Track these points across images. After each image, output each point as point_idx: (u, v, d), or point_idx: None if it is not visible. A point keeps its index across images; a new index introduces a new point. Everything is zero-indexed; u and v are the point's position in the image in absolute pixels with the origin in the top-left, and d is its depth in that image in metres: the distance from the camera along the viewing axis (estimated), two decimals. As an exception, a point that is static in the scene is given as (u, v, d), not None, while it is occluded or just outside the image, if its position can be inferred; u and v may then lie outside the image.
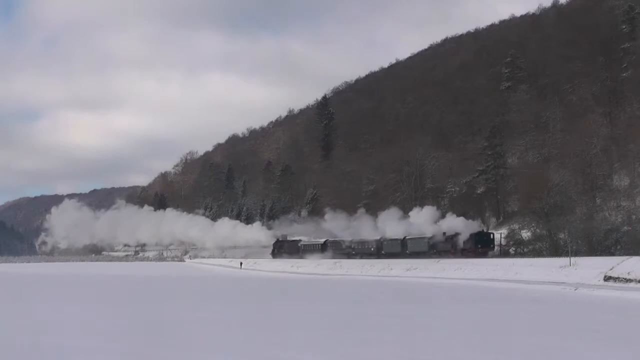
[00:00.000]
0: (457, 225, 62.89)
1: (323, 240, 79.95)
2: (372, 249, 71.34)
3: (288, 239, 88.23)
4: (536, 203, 60.27)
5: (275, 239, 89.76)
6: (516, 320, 22.68)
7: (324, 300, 32.19)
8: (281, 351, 15.11)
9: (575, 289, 35.73)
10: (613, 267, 38.38)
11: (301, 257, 78.88)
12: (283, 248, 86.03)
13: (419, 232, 65.93)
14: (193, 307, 28.05)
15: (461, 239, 61.34)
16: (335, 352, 15.12)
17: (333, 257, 74.77)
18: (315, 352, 15.06)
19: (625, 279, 36.38)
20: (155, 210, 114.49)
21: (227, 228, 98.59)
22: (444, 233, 63.22)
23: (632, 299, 30.09)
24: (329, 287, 45.03)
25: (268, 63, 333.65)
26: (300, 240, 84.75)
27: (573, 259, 43.57)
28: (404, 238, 67.40)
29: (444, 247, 62.59)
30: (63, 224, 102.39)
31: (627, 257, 40.73)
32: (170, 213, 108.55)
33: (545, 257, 51.92)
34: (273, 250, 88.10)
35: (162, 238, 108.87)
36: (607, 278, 37.48)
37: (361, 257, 70.95)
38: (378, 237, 70.58)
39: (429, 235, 64.58)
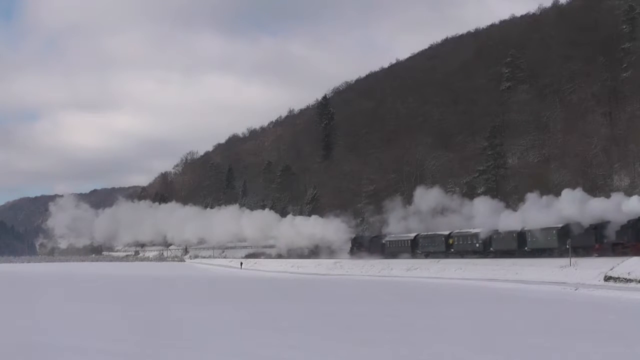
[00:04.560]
0: (606, 207, 46.85)
1: (413, 235, 66.29)
2: (477, 245, 58.04)
3: (370, 234, 75.23)
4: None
5: (354, 235, 77.34)
6: (516, 320, 22.65)
7: (324, 300, 32.17)
8: (281, 351, 15.11)
9: (576, 289, 35.71)
10: (613, 267, 38.39)
11: (386, 257, 66.72)
12: (364, 246, 72.88)
13: (541, 221, 51.07)
14: (193, 307, 28.03)
15: (612, 229, 46.13)
16: (335, 352, 15.11)
17: (426, 257, 62.52)
18: (316, 352, 15.05)
19: (625, 279, 36.38)
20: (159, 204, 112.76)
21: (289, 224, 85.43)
22: (591, 225, 47.36)
23: (632, 299, 30.06)
24: (329, 287, 45.01)
25: (268, 64, 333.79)
26: (384, 236, 71.00)
27: (573, 259, 43.55)
28: (522, 230, 53.47)
29: (584, 241, 47.51)
30: (62, 221, 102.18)
31: (627, 257, 40.72)
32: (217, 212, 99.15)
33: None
34: (352, 248, 74.90)
35: (183, 234, 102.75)
36: (608, 278, 37.49)
37: (462, 257, 58.55)
38: (485, 230, 57.37)
39: (559, 224, 49.73)
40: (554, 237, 49.93)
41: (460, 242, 60.30)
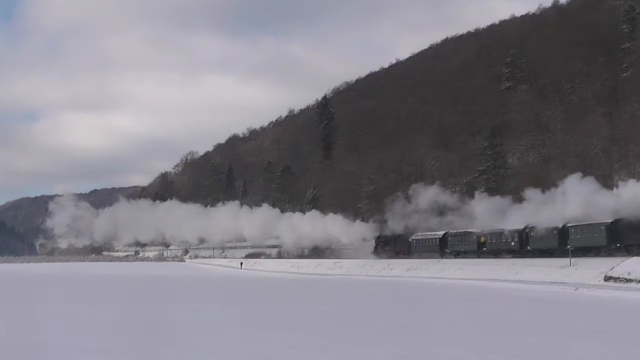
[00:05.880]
0: None
1: (441, 233, 62.08)
2: (513, 244, 53.26)
3: (394, 232, 69.88)
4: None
5: (378, 234, 73.33)
6: (516, 320, 22.66)
7: (324, 300, 32.17)
8: (281, 351, 15.10)
9: (576, 289, 35.70)
10: (613, 267, 38.35)
11: (413, 257, 63.07)
12: (388, 245, 69.16)
13: (585, 214, 45.03)
14: (193, 307, 28.02)
15: None
16: (335, 352, 15.11)
17: (456, 257, 58.59)
18: (315, 352, 15.05)
19: (625, 279, 36.37)
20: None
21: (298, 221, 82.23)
22: None
23: (632, 299, 30.06)
24: (329, 287, 45.02)
25: (268, 64, 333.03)
26: (410, 234, 66.86)
27: (573, 259, 43.51)
28: (564, 226, 47.71)
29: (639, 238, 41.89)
30: (62, 221, 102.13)
31: (627, 257, 40.68)
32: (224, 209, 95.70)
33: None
34: (376, 248, 70.84)
35: (184, 234, 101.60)
36: (608, 278, 37.47)
37: (496, 256, 53.59)
38: (522, 227, 52.38)
39: (607, 220, 43.84)
40: (602, 233, 44.23)
41: (494, 241, 55.37)
